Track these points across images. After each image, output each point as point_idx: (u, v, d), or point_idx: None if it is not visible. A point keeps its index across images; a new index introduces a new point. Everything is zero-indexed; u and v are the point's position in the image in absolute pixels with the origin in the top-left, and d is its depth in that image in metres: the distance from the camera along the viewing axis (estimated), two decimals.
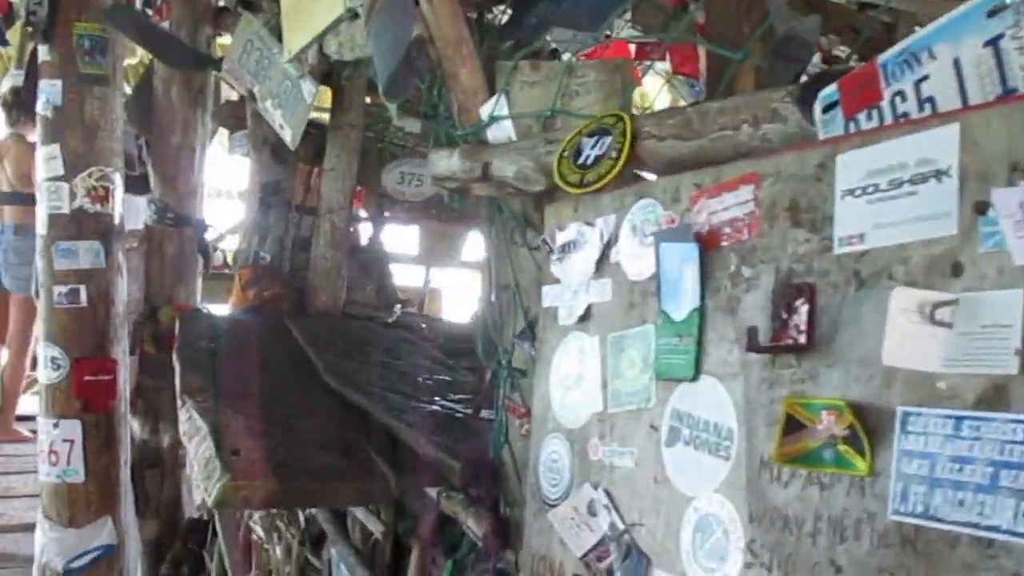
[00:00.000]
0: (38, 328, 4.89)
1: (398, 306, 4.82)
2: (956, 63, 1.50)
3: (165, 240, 5.03)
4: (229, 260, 7.24)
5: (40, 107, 4.43)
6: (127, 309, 4.61)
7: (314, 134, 4.40)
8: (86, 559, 4.33)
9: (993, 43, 1.45)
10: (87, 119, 4.38)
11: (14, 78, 8.11)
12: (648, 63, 4.41)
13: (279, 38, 4.00)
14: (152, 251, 5.02)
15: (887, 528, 1.47)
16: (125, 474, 4.57)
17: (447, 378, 3.66)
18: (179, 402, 3.26)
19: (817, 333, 1.63)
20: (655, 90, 7.07)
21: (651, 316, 2.00)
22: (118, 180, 4.47)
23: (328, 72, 4.31)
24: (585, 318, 2.20)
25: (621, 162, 2.05)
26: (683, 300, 1.90)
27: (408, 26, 2.63)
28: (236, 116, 5.06)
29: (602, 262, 2.15)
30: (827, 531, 1.57)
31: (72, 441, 4.36)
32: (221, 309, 5.11)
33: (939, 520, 1.40)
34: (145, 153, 5.22)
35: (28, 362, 7.73)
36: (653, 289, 2.00)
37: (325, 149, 4.44)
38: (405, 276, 6.39)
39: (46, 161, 4.40)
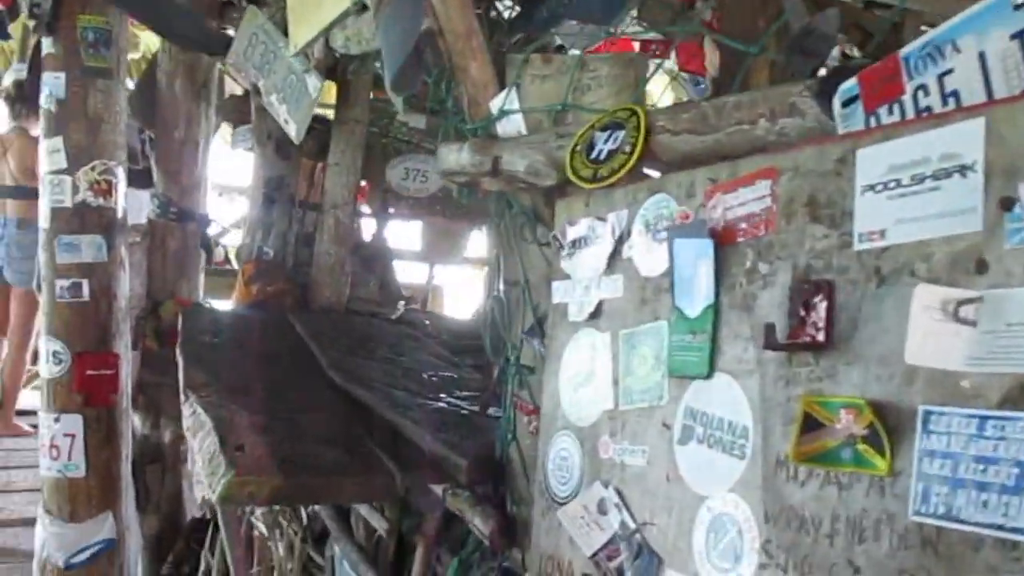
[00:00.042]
0: (39, 322, 4.87)
1: (401, 302, 4.79)
2: (981, 56, 1.48)
3: (168, 235, 5.01)
4: (230, 256, 7.23)
5: (43, 100, 4.40)
6: (129, 304, 4.58)
7: (318, 129, 4.37)
8: (87, 554, 4.31)
9: (1020, 36, 1.43)
10: (90, 112, 4.35)
11: (16, 72, 8.10)
12: (658, 62, 4.38)
13: (284, 32, 3.98)
14: (155, 245, 5.00)
15: (907, 529, 1.45)
16: (126, 469, 4.55)
17: (452, 375, 3.63)
18: (182, 397, 3.23)
19: (836, 330, 1.60)
20: (659, 88, 7.04)
21: (664, 313, 1.98)
22: (121, 174, 4.43)
23: (333, 67, 4.27)
24: (596, 314, 2.17)
25: (635, 157, 2.02)
26: (697, 296, 1.87)
27: (417, 19, 2.60)
28: (240, 110, 5.04)
29: (614, 258, 2.13)
30: (845, 532, 1.55)
31: (73, 436, 4.33)
32: (222, 305, 5.09)
33: (962, 521, 1.37)
34: (148, 147, 5.20)
35: (29, 356, 7.72)
36: (666, 285, 1.97)
37: (329, 144, 4.41)
38: (408, 273, 6.36)
39: (49, 154, 4.37)
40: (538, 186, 2.33)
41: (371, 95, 4.51)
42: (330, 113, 4.58)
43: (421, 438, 2.82)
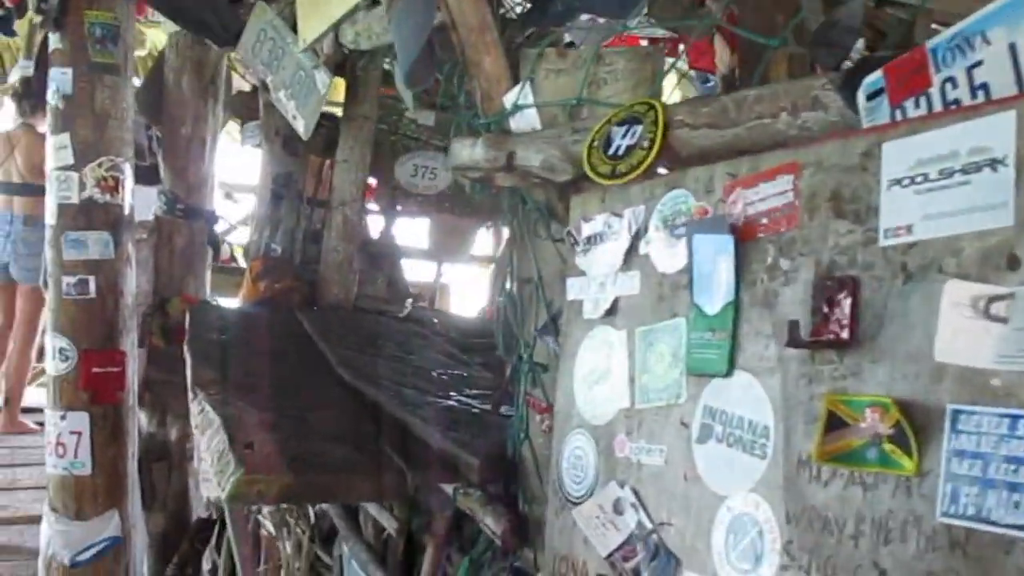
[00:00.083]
0: (45, 319, 4.84)
1: (409, 300, 4.76)
2: (1012, 48, 1.45)
3: (175, 231, 4.99)
4: (236, 253, 7.21)
5: (50, 96, 4.38)
6: (136, 301, 4.55)
7: (327, 126, 4.34)
8: (92, 551, 4.28)
9: None
10: (97, 108, 4.32)
11: (23, 69, 8.09)
12: (673, 60, 4.35)
13: (293, 28, 3.95)
14: (161, 242, 4.98)
15: (935, 530, 1.42)
16: (132, 467, 4.52)
17: (462, 373, 3.60)
18: (190, 394, 3.20)
19: (860, 328, 1.58)
20: (667, 86, 7.01)
21: (682, 309, 1.95)
22: (128, 170, 4.41)
23: (342, 63, 4.25)
24: (612, 311, 2.14)
25: (654, 152, 1.99)
26: (717, 293, 1.84)
27: (430, 13, 2.58)
28: (248, 107, 5.01)
29: (630, 254, 2.10)
30: (870, 533, 1.52)
31: (79, 433, 4.31)
32: (227, 302, 5.07)
33: (992, 523, 1.34)
34: (155, 144, 5.18)
35: (34, 353, 7.71)
36: (684, 282, 1.94)
37: (337, 141, 4.38)
38: (416, 271, 6.34)
39: (56, 150, 4.34)
40: (553, 181, 2.30)
41: (380, 91, 4.48)
42: (338, 110, 4.55)
43: (431, 436, 2.79)
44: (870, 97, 1.65)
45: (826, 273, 1.64)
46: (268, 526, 4.08)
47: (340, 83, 4.56)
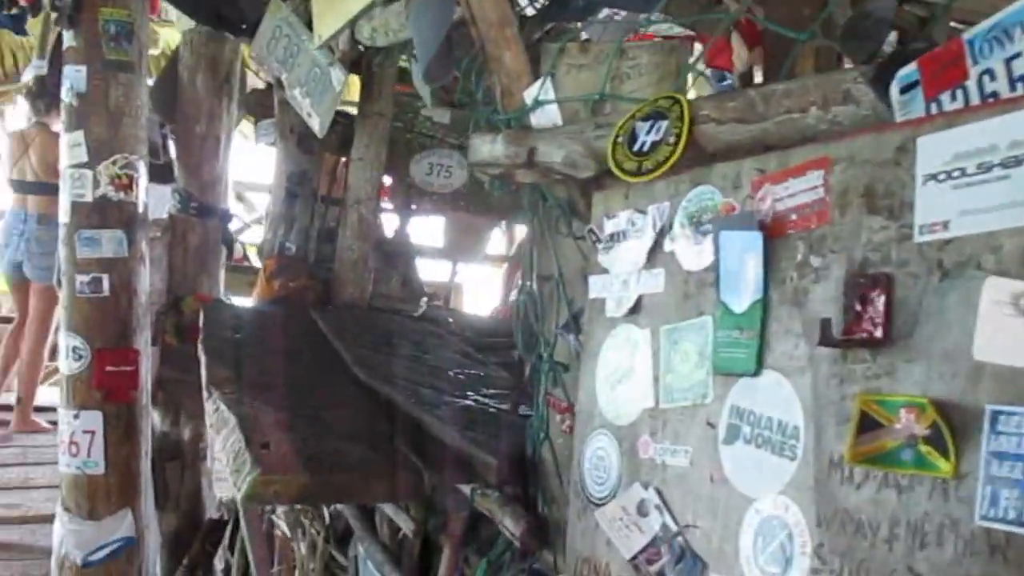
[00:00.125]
0: (58, 317, 4.82)
1: (424, 299, 4.73)
2: None
3: (188, 230, 4.97)
4: (248, 253, 7.19)
5: (64, 93, 4.36)
6: (149, 299, 4.53)
7: (342, 123, 4.31)
8: (105, 552, 4.26)
9: None
10: (112, 106, 4.30)
11: (36, 68, 8.10)
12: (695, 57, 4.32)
13: (308, 25, 3.93)
14: (175, 241, 4.96)
15: (974, 534, 1.38)
16: (145, 466, 4.50)
17: (478, 372, 3.57)
18: (205, 393, 3.17)
19: (894, 326, 1.54)
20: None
21: (708, 308, 1.91)
22: (142, 168, 4.38)
23: (357, 60, 4.22)
24: (635, 310, 2.10)
25: (680, 148, 1.95)
26: (745, 291, 1.81)
27: (449, 8, 2.55)
28: (263, 104, 4.98)
29: (655, 251, 2.06)
30: (905, 537, 1.48)
31: (93, 432, 4.29)
32: (240, 301, 5.05)
33: None
34: (169, 142, 5.16)
35: (47, 352, 7.70)
36: (710, 280, 1.91)
37: (352, 139, 4.35)
38: (430, 270, 6.30)
39: (70, 148, 4.32)
40: (574, 178, 2.27)
41: (395, 89, 4.45)
42: (352, 109, 4.52)
43: (449, 436, 2.75)
44: (904, 90, 1.61)
45: (859, 270, 1.60)
46: (282, 526, 4.05)
47: (354, 81, 4.54)
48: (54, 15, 4.51)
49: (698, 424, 1.91)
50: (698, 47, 4.57)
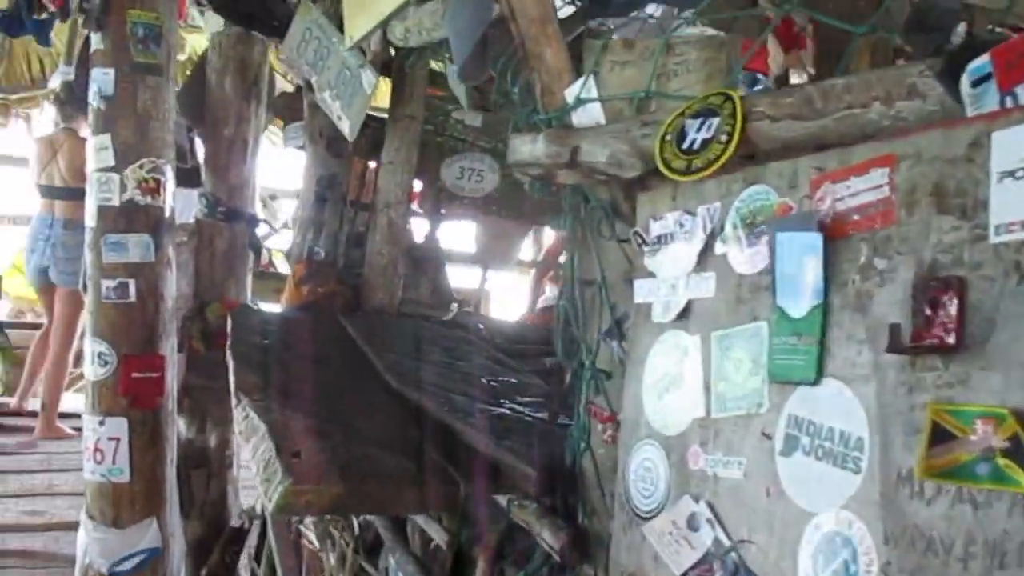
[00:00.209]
0: (83, 322, 4.77)
1: (455, 304, 4.66)
2: None
3: (215, 234, 4.91)
4: (274, 259, 7.14)
5: (91, 97, 4.31)
6: (176, 304, 4.47)
7: (372, 127, 4.24)
8: (132, 563, 4.19)
9: None
10: (139, 109, 4.24)
11: (63, 75, 8.11)
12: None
13: (339, 27, 3.87)
14: (202, 245, 4.90)
15: None
16: (171, 474, 4.44)
17: (512, 380, 3.49)
18: (234, 400, 3.10)
19: (968, 332, 1.45)
20: None
21: (763, 313, 1.83)
22: (169, 172, 4.33)
23: (387, 62, 4.16)
24: (684, 315, 2.02)
25: (732, 146, 1.87)
26: (803, 295, 1.72)
27: (487, 3, 2.47)
28: (291, 108, 4.93)
29: (705, 254, 1.98)
30: (982, 556, 1.39)
31: (118, 439, 4.23)
32: (267, 307, 5.00)
33: None
34: (196, 145, 5.11)
35: (72, 357, 7.68)
36: (765, 283, 1.82)
37: (382, 142, 4.28)
38: (460, 277, 6.22)
39: (97, 152, 4.27)
40: (619, 178, 2.19)
41: (426, 91, 4.38)
42: (381, 113, 4.45)
43: (485, 446, 2.67)
44: (975, 84, 1.53)
45: (928, 273, 1.52)
46: (311, 536, 3.98)
47: (382, 85, 4.47)
48: (81, 19, 4.47)
49: (752, 434, 1.82)
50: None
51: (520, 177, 2.47)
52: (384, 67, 4.11)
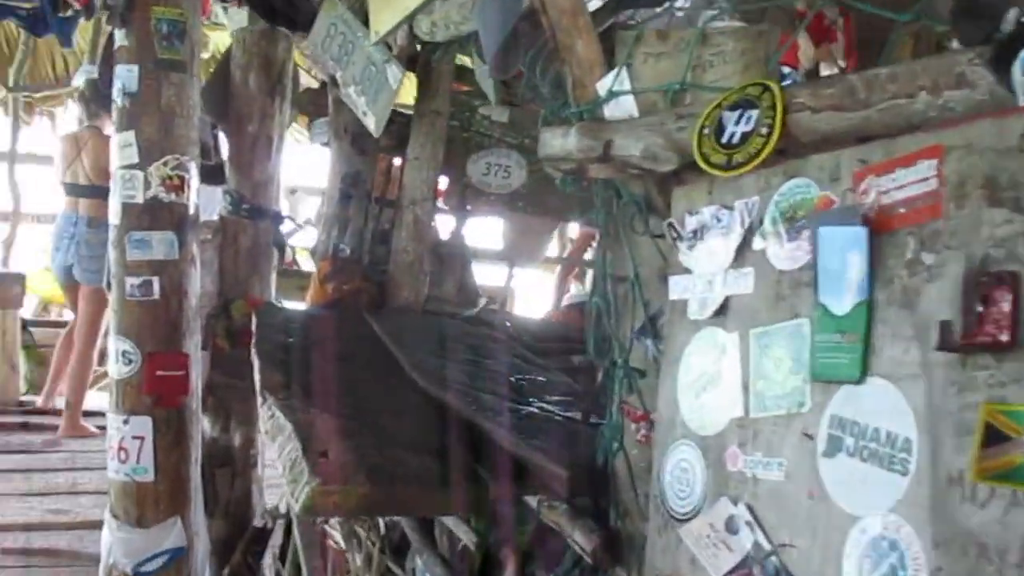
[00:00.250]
0: (107, 320, 4.75)
1: (482, 300, 4.61)
2: None
3: (240, 232, 4.89)
4: (297, 257, 7.12)
5: (115, 94, 4.28)
6: (200, 302, 4.45)
7: (397, 123, 4.21)
8: (157, 563, 4.17)
9: None
10: (163, 106, 4.21)
11: (86, 73, 8.12)
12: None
13: (364, 22, 3.83)
14: (226, 243, 4.88)
15: None
16: (195, 473, 4.41)
17: (541, 378, 3.44)
18: (260, 399, 3.07)
19: (1022, 329, 1.40)
20: None
21: (804, 310, 1.77)
22: (194, 169, 4.30)
23: (413, 56, 4.12)
24: (721, 312, 1.97)
25: (774, 139, 1.82)
26: (847, 292, 1.67)
27: None
28: (316, 104, 4.89)
29: (743, 250, 1.92)
30: None
31: (142, 438, 4.20)
32: (291, 305, 4.97)
33: None
34: (221, 142, 5.09)
35: (96, 356, 7.68)
36: (806, 279, 1.77)
37: (407, 138, 4.24)
38: (486, 274, 6.18)
39: (121, 149, 4.24)
40: (652, 172, 2.14)
41: (452, 87, 4.34)
42: (407, 109, 4.42)
43: (515, 445, 2.62)
44: None
45: (980, 268, 1.46)
46: (336, 537, 3.94)
47: (409, 79, 4.44)
48: (105, 16, 4.45)
49: (793, 435, 1.77)
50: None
51: (551, 172, 2.42)
52: (410, 62, 4.07)
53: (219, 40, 9.45)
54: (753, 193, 1.91)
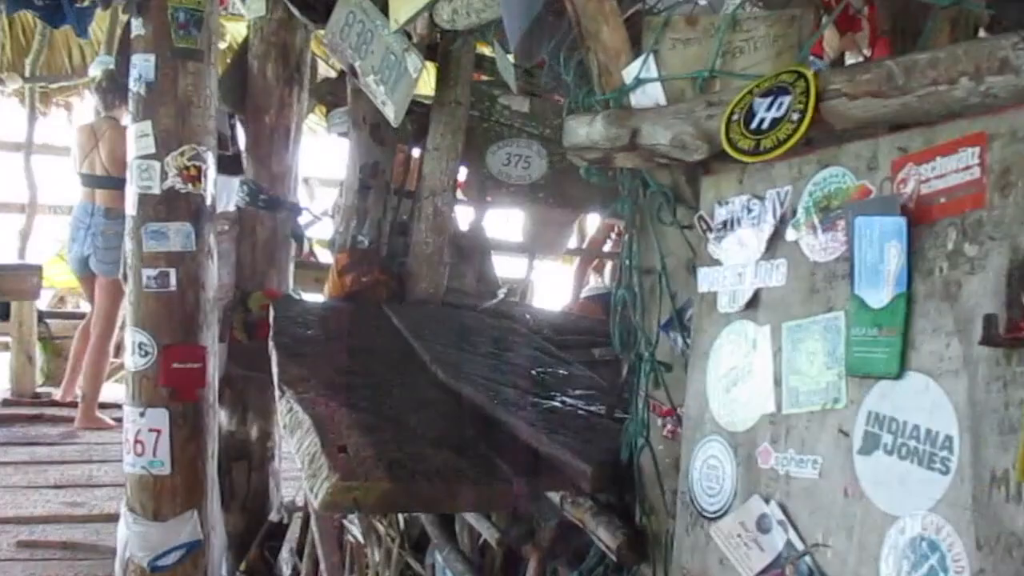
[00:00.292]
0: (123, 312, 4.73)
1: (502, 290, 4.56)
2: None
3: (257, 223, 4.86)
4: (314, 248, 7.08)
5: (132, 83, 4.26)
6: (217, 294, 4.42)
7: (416, 113, 4.16)
8: (173, 557, 4.15)
9: None
10: (180, 95, 4.19)
11: (102, 63, 8.10)
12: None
13: (383, 11, 3.78)
14: (243, 234, 4.85)
15: None
16: (212, 466, 4.39)
17: (563, 372, 3.39)
18: (278, 392, 3.03)
19: None
20: None
21: (839, 303, 1.72)
22: (211, 159, 4.28)
23: (433, 45, 4.07)
24: (752, 304, 1.91)
25: (804, 125, 1.76)
26: (884, 284, 1.61)
27: None
28: (334, 93, 4.85)
29: (774, 241, 1.87)
30: None
31: (159, 431, 4.18)
32: (309, 297, 4.94)
33: None
34: (238, 132, 5.06)
35: (112, 347, 7.67)
36: (841, 271, 1.72)
37: (426, 128, 4.19)
38: (506, 266, 6.13)
39: (137, 139, 4.22)
40: (681, 161, 2.08)
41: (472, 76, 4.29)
42: (426, 99, 4.37)
43: (538, 440, 2.57)
44: None
45: None
46: (355, 532, 3.90)
47: (428, 69, 4.39)
48: (122, 5, 4.42)
49: (828, 431, 1.72)
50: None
51: (576, 161, 2.37)
52: (429, 51, 4.02)
53: (236, 31, 9.42)
54: (785, 182, 1.86)
